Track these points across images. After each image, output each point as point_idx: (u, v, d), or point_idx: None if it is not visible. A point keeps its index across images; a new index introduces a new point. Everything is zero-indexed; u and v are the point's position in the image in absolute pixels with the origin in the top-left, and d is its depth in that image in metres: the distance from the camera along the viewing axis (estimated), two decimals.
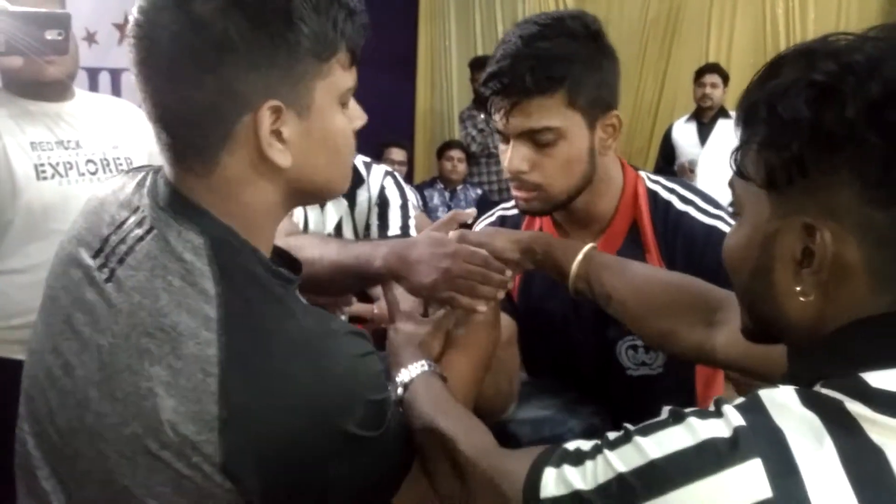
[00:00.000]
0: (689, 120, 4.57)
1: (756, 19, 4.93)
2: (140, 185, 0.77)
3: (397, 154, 4.47)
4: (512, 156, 1.08)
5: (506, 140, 1.10)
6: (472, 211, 1.12)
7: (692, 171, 4.31)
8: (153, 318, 0.68)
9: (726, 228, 1.11)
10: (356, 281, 1.08)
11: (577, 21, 1.08)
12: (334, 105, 0.75)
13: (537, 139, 1.06)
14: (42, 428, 0.75)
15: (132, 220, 0.74)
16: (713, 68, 4.48)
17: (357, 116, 0.80)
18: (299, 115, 0.72)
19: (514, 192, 1.13)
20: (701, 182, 3.85)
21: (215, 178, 0.72)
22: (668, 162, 4.56)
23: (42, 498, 0.75)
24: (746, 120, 0.63)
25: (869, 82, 0.55)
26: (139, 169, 0.82)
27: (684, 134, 4.55)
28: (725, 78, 4.43)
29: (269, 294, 0.71)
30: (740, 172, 0.64)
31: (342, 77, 0.75)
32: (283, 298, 0.72)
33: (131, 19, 0.70)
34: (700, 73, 4.47)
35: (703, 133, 4.43)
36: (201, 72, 0.67)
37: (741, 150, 0.64)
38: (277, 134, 0.71)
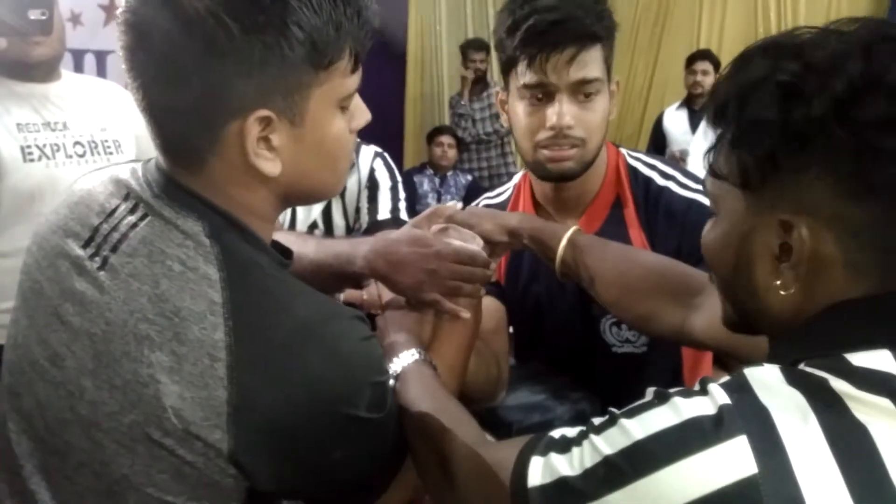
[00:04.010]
0: (680, 107, 4.56)
1: (747, 6, 4.93)
2: (131, 173, 0.76)
3: None
4: (562, 111, 1.07)
5: (547, 97, 1.08)
6: (455, 204, 1.11)
7: (683, 160, 4.32)
8: (153, 304, 0.66)
9: (706, 201, 1.12)
10: (336, 280, 1.06)
11: None
12: (332, 110, 0.72)
13: (587, 90, 1.08)
14: (29, 423, 0.74)
15: (123, 207, 0.72)
16: (704, 55, 4.47)
17: (359, 115, 0.77)
18: (292, 123, 0.69)
19: (553, 153, 1.11)
20: (692, 169, 3.85)
21: (205, 176, 0.70)
22: (658, 149, 4.56)
23: (26, 497, 0.73)
24: (717, 118, 0.64)
25: (833, 80, 0.56)
26: (127, 162, 0.81)
27: (675, 121, 4.55)
28: (717, 65, 4.41)
29: (271, 277, 0.70)
30: (714, 171, 0.65)
31: (343, 83, 0.71)
32: (285, 281, 0.72)
33: (120, 2, 0.67)
34: (691, 60, 4.46)
35: (695, 120, 4.43)
36: (189, 73, 0.65)
37: (714, 149, 0.65)
38: (266, 141, 0.69)
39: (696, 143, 4.35)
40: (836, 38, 0.59)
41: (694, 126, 4.43)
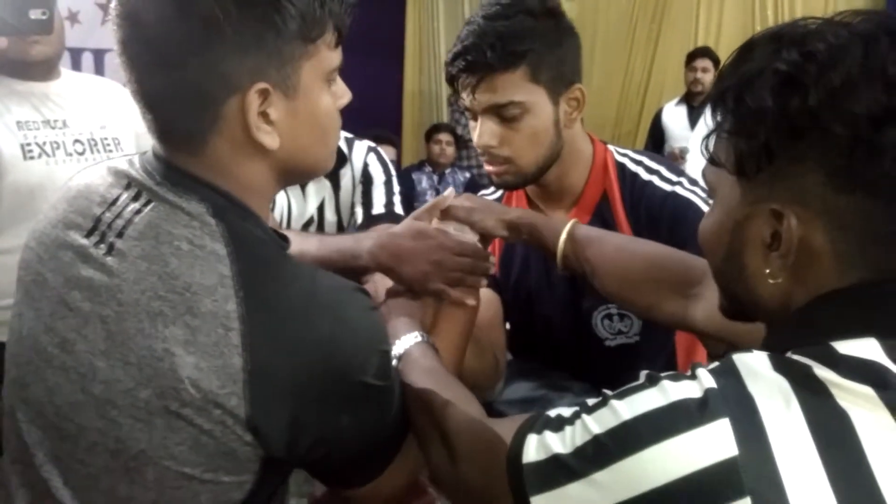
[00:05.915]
0: (679, 103, 4.56)
1: (745, 2, 4.93)
2: (129, 164, 0.77)
3: (388, 153, 4.29)
4: (481, 131, 1.13)
5: (474, 117, 1.15)
6: (451, 191, 1.13)
7: (682, 157, 4.32)
8: (164, 282, 0.68)
9: (684, 193, 1.16)
10: (340, 276, 1.08)
11: (535, 0, 1.12)
12: (321, 84, 0.76)
13: (503, 114, 1.11)
14: (38, 412, 0.75)
15: (126, 196, 0.75)
16: (704, 52, 4.47)
17: (342, 94, 0.82)
18: (286, 96, 0.73)
19: (486, 167, 1.18)
20: (691, 167, 3.85)
21: (205, 157, 0.73)
22: (657, 146, 4.55)
23: (37, 486, 0.74)
24: (716, 107, 0.65)
25: (830, 71, 0.57)
26: (121, 157, 0.82)
27: (674, 118, 4.55)
28: (717, 62, 4.41)
29: (276, 253, 0.73)
30: (711, 159, 0.66)
31: (328, 57, 0.76)
32: (288, 257, 0.74)
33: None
34: (691, 58, 4.46)
35: (694, 117, 4.43)
36: (187, 54, 0.67)
37: (712, 137, 0.66)
38: (265, 116, 0.72)
39: (695, 139, 4.35)
40: (839, 30, 0.59)
41: (693, 123, 4.42)
